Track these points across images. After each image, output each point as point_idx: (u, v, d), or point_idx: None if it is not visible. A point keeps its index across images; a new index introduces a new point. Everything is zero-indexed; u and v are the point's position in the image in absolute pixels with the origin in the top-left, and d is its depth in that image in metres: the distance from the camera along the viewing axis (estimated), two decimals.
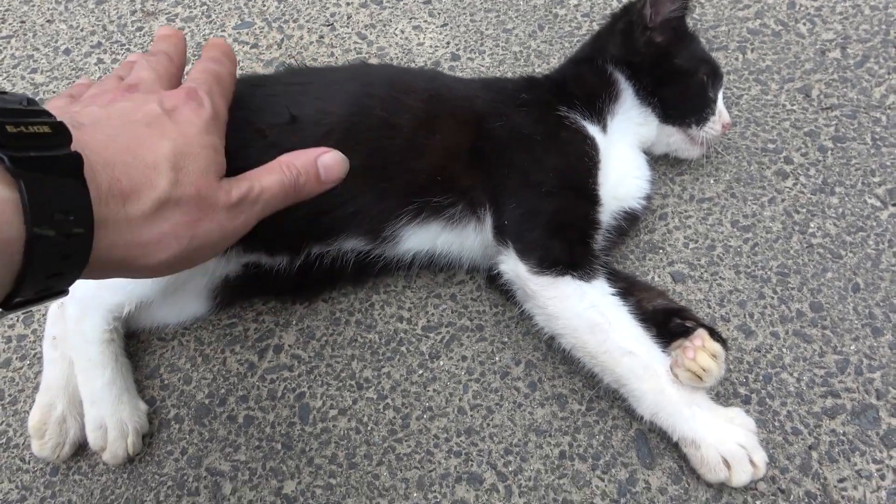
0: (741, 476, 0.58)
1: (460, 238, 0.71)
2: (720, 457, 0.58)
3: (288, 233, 0.67)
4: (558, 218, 0.67)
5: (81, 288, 0.63)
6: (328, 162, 0.51)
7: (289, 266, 0.70)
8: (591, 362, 0.64)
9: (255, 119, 0.66)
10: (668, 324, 0.65)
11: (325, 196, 0.66)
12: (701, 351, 0.58)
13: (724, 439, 0.58)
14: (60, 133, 0.35)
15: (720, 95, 0.78)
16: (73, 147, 0.35)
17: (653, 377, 0.60)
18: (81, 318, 0.67)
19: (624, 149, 0.75)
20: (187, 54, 0.57)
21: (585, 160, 0.69)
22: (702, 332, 0.60)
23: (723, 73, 0.79)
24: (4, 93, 0.36)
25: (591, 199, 0.69)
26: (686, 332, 0.62)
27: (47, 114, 0.36)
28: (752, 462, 0.57)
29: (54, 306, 0.72)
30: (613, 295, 0.65)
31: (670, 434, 0.61)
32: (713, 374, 0.58)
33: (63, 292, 0.38)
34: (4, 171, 0.32)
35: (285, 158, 0.50)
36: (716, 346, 0.59)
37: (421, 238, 0.70)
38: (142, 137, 0.41)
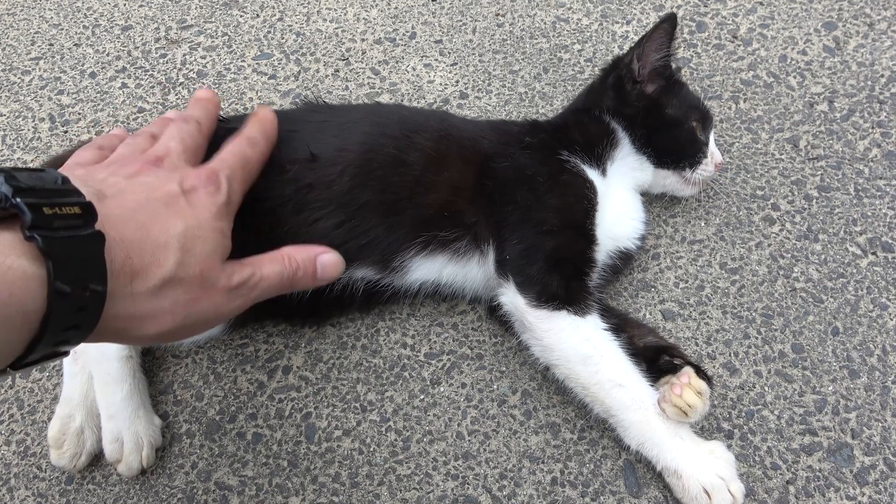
0: (722, 500, 0.61)
1: (464, 270, 0.75)
2: (701, 486, 0.61)
3: None
4: (557, 255, 0.70)
5: None
6: (326, 262, 0.55)
7: (302, 292, 0.74)
8: (583, 393, 0.67)
9: (277, 155, 0.71)
10: (657, 360, 0.69)
11: (339, 229, 0.70)
12: (687, 388, 0.62)
13: (705, 470, 0.62)
14: (88, 213, 0.39)
15: (711, 137, 0.83)
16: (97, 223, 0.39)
17: (640, 409, 0.64)
18: None
19: (621, 192, 0.80)
20: (216, 105, 0.61)
21: (584, 202, 0.73)
22: (688, 370, 0.64)
23: (712, 116, 0.84)
24: (42, 170, 0.39)
25: (588, 238, 0.73)
26: (674, 369, 0.66)
27: (78, 193, 0.40)
28: (730, 492, 0.61)
29: None
30: (606, 330, 0.68)
31: (655, 463, 0.64)
32: (698, 410, 0.62)
33: (65, 353, 0.41)
34: (36, 250, 0.36)
35: (288, 251, 0.53)
36: (701, 384, 0.63)
37: (428, 269, 0.74)
38: (158, 216, 0.45)
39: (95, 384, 0.70)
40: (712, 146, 0.82)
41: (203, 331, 0.50)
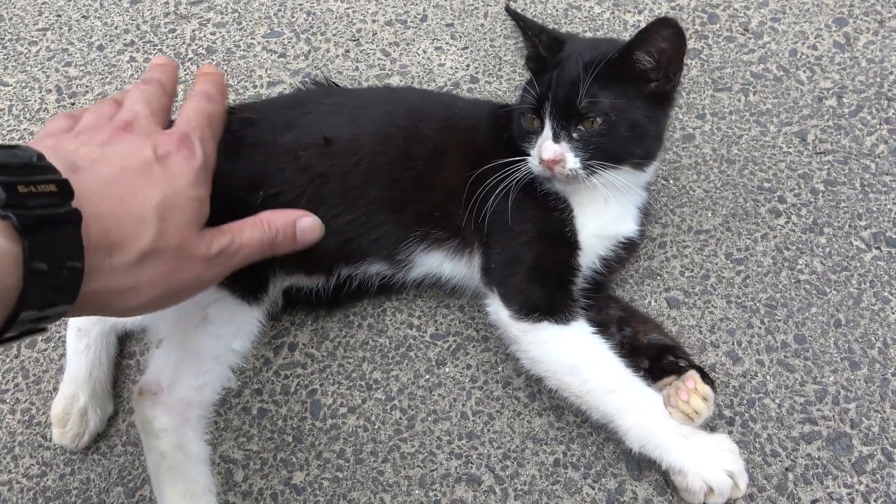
0: (722, 496, 0.61)
1: (461, 267, 0.75)
2: (705, 483, 0.61)
3: (322, 255, 0.71)
4: (538, 265, 0.70)
5: (179, 390, 0.62)
6: (305, 226, 0.55)
7: (325, 286, 0.74)
8: (578, 401, 0.66)
9: (289, 140, 0.70)
10: (661, 359, 0.69)
11: (352, 225, 0.71)
12: (694, 394, 0.63)
13: (710, 466, 0.61)
14: (64, 191, 0.38)
15: (548, 127, 0.69)
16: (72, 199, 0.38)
17: (636, 412, 0.63)
18: (183, 424, 0.62)
19: (604, 194, 0.74)
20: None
21: (558, 210, 0.71)
22: (693, 375, 0.64)
23: (559, 100, 0.68)
24: (16, 147, 0.39)
25: (570, 245, 0.71)
26: (678, 371, 0.66)
27: (53, 170, 0.39)
28: (736, 485, 0.61)
29: None
30: (594, 334, 0.67)
31: (659, 463, 0.63)
32: (703, 415, 0.63)
33: (44, 329, 0.41)
34: (11, 228, 0.35)
35: (267, 216, 0.53)
36: (707, 389, 0.63)
37: (429, 264, 0.74)
38: (134, 188, 0.44)
39: (168, 495, 0.59)
40: (543, 138, 0.68)
41: (186, 298, 0.49)
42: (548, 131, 0.68)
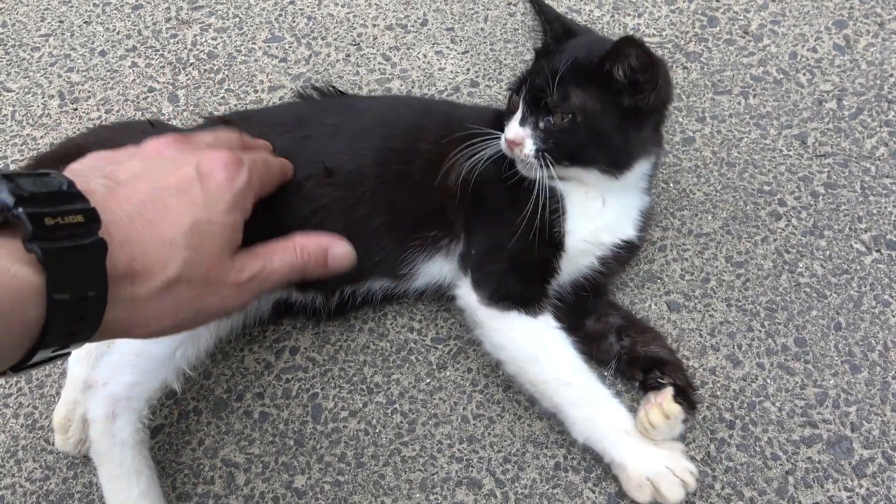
0: (673, 493, 0.61)
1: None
2: (646, 478, 0.61)
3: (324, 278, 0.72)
4: (520, 258, 0.70)
5: (112, 385, 0.64)
6: (338, 254, 0.54)
7: (325, 303, 0.75)
8: (532, 389, 0.68)
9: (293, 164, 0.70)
10: (650, 373, 0.69)
11: (356, 249, 0.71)
12: (657, 408, 0.63)
13: (651, 461, 0.62)
14: (92, 220, 0.38)
15: (519, 111, 0.71)
16: (101, 219, 0.38)
17: (585, 406, 0.65)
18: (112, 416, 0.64)
19: (600, 194, 0.74)
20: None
21: (552, 208, 0.71)
22: (667, 392, 0.64)
23: (530, 81, 0.71)
24: (47, 174, 0.38)
25: (555, 246, 0.71)
26: (658, 387, 0.66)
27: (83, 198, 0.38)
28: (678, 478, 0.61)
29: None
30: (559, 329, 0.69)
31: (602, 457, 0.65)
32: (662, 431, 0.63)
33: (67, 355, 0.41)
34: (36, 260, 0.35)
35: (300, 241, 0.52)
36: (674, 408, 0.63)
37: (431, 272, 0.75)
38: (167, 209, 0.43)
39: (102, 478, 0.64)
40: (513, 119, 0.69)
41: (212, 321, 0.49)
42: (519, 113, 0.69)
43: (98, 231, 0.38)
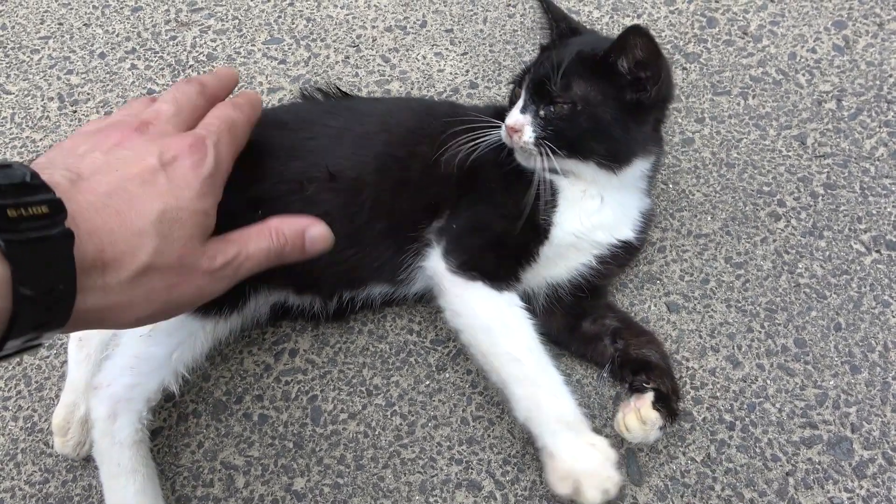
0: (593, 495, 0.60)
1: None
2: (570, 473, 0.61)
3: (324, 283, 0.74)
4: (500, 239, 0.71)
5: (113, 386, 0.65)
6: (315, 235, 0.52)
7: (324, 307, 0.76)
8: (482, 360, 0.67)
9: (295, 170, 0.70)
10: (637, 375, 0.69)
11: (356, 256, 0.71)
12: (634, 413, 0.63)
13: (581, 459, 0.61)
14: (57, 211, 0.37)
15: (521, 100, 0.72)
16: (67, 209, 0.37)
17: (531, 386, 0.65)
18: (112, 416, 0.65)
19: (598, 192, 0.74)
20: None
21: (544, 199, 0.71)
22: (647, 397, 0.64)
23: (530, 73, 0.72)
24: (9, 165, 0.37)
25: (540, 232, 0.71)
26: (641, 391, 0.66)
27: (46, 189, 0.37)
28: (602, 485, 0.61)
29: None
30: (522, 308, 0.69)
31: (535, 440, 0.64)
32: (637, 435, 0.63)
33: (39, 346, 0.39)
34: (1, 253, 0.34)
35: (275, 224, 0.50)
36: (651, 415, 0.63)
37: (427, 271, 0.74)
38: (133, 199, 0.42)
39: (102, 476, 0.65)
40: (515, 107, 0.70)
41: (189, 310, 0.48)
42: (520, 102, 0.70)
43: (64, 221, 0.37)
